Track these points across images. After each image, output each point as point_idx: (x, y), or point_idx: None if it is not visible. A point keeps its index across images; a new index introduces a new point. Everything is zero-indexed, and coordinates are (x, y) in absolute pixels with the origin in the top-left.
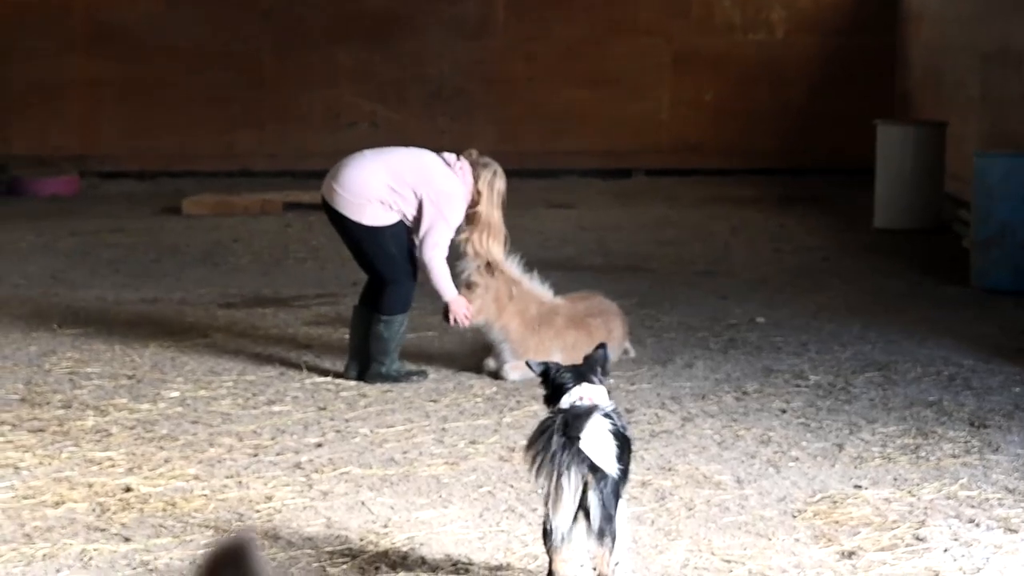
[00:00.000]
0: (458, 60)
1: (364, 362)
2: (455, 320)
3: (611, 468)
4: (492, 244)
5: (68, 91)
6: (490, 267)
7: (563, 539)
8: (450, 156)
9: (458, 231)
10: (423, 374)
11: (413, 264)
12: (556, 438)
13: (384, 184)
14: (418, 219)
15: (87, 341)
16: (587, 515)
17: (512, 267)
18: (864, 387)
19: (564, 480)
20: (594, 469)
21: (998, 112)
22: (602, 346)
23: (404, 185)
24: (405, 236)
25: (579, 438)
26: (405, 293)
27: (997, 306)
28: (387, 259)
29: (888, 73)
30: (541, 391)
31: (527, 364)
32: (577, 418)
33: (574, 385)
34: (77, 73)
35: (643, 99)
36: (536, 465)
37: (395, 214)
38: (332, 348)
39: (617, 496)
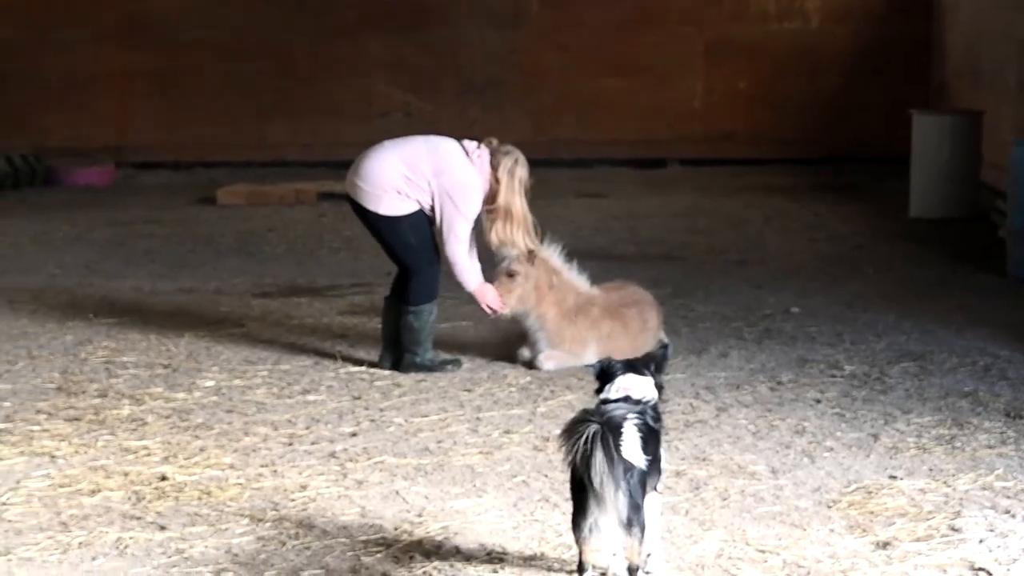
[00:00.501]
0: (490, 50)
1: (398, 352)
2: (489, 308)
3: (638, 460)
4: (515, 232)
5: (102, 82)
6: (532, 255)
7: (591, 530)
8: (470, 144)
9: (480, 220)
10: (457, 363)
11: (437, 252)
12: (594, 446)
13: (400, 174)
14: (435, 210)
15: (123, 330)
16: (615, 506)
17: (553, 256)
18: (899, 377)
19: (607, 487)
20: (626, 462)
21: None
22: (665, 346)
23: (419, 175)
24: (426, 225)
25: (620, 447)
26: (430, 282)
27: None
28: (408, 249)
29: (924, 62)
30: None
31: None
32: (613, 428)
33: (622, 374)
34: (111, 64)
35: (676, 88)
36: (569, 462)
37: (412, 203)
38: (366, 338)
39: (644, 487)
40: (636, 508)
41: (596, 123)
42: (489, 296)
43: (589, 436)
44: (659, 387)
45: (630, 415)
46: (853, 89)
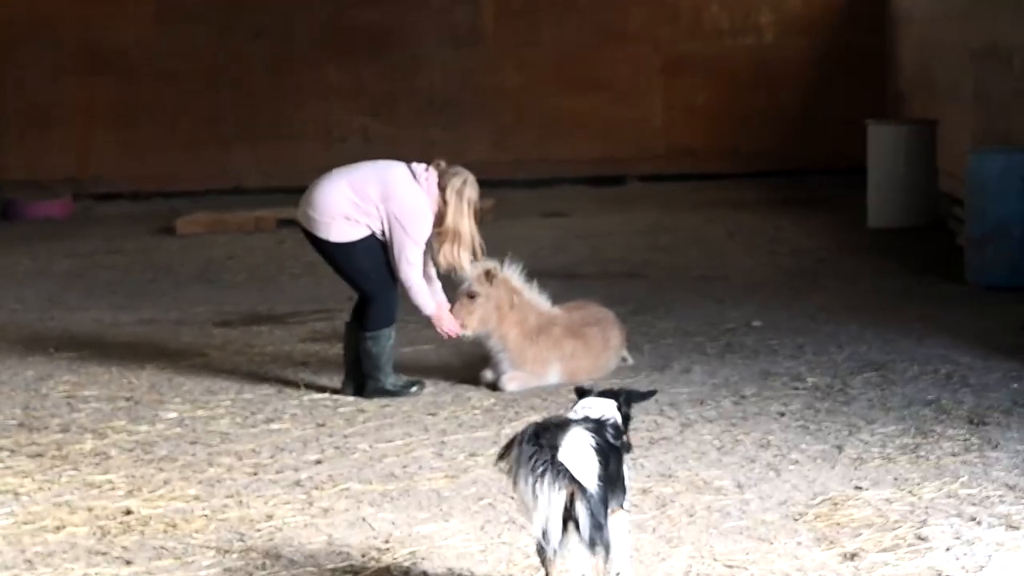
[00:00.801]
0: (449, 70)
1: (360, 378)
2: (444, 335)
3: (589, 482)
4: (462, 254)
5: (61, 114)
6: (491, 275)
7: (555, 552)
8: (418, 167)
9: (430, 243)
10: (421, 384)
11: (394, 277)
12: (526, 447)
13: (347, 200)
14: (386, 235)
15: (84, 364)
16: (576, 526)
17: (513, 276)
18: (862, 388)
19: (538, 489)
20: (575, 480)
21: (990, 109)
22: (653, 392)
23: (367, 200)
24: (379, 250)
25: (556, 448)
26: (386, 307)
27: (993, 303)
28: (362, 275)
29: (880, 73)
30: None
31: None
32: (551, 428)
33: (588, 398)
34: (69, 96)
35: (635, 105)
36: (511, 475)
37: (363, 228)
38: (329, 364)
39: (606, 505)
40: (598, 527)
41: (556, 141)
42: (445, 321)
43: (519, 438)
44: (626, 417)
45: (576, 426)
46: (810, 102)
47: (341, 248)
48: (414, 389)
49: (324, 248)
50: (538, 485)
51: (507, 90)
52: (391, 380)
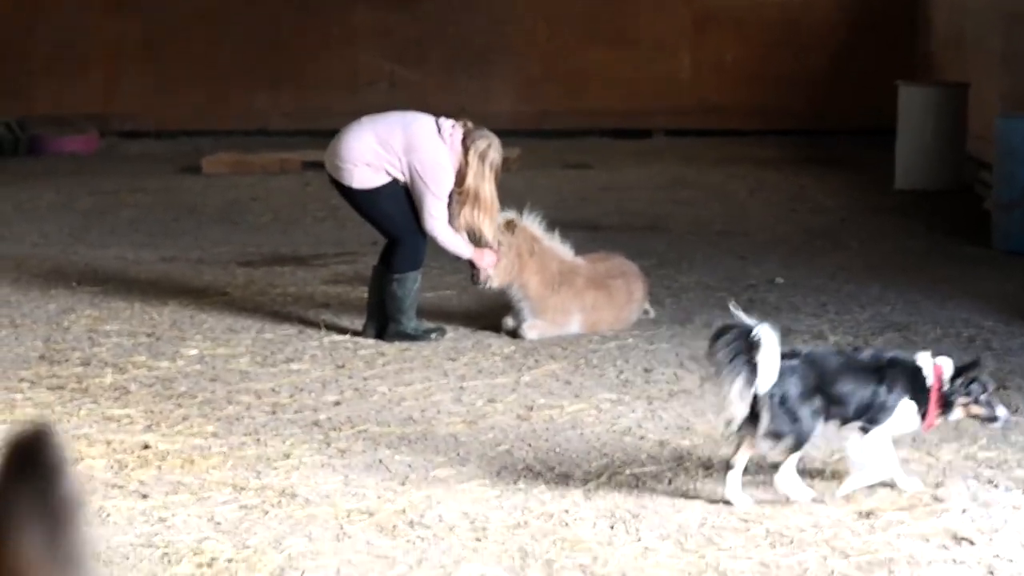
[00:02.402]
0: (478, 20)
1: (382, 321)
2: (484, 277)
3: (767, 383)
4: (483, 219)
5: (88, 51)
6: (511, 225)
7: (738, 435)
8: (445, 122)
9: (451, 202)
10: (441, 331)
11: (416, 223)
12: (731, 344)
13: (371, 148)
14: (408, 187)
15: (106, 299)
16: (759, 418)
17: (533, 225)
18: (883, 348)
19: (732, 382)
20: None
21: (1020, 73)
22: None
23: (390, 150)
24: (404, 195)
25: (755, 350)
26: (413, 251)
27: (1018, 268)
28: (387, 219)
29: (910, 34)
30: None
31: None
32: (749, 337)
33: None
34: (97, 33)
35: (664, 60)
36: (712, 364)
37: (384, 175)
38: (350, 307)
39: (796, 405)
40: (782, 422)
41: (583, 94)
42: (487, 258)
43: (727, 335)
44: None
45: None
46: (839, 61)
47: (365, 194)
48: (434, 335)
49: (349, 195)
50: (733, 379)
51: (536, 41)
52: (413, 324)
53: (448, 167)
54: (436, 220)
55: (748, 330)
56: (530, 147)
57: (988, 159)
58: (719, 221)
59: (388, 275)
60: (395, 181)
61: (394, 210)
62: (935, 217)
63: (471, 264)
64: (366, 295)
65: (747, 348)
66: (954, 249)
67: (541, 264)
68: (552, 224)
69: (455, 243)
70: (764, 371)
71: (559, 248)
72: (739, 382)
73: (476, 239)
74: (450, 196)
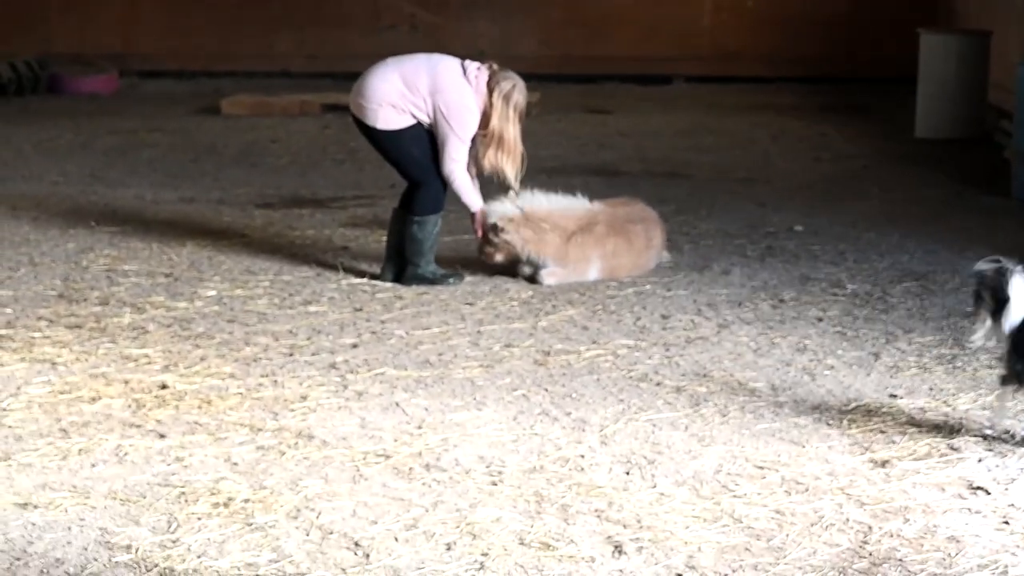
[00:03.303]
0: None
1: (400, 265)
2: (487, 248)
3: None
4: (506, 162)
5: None
6: (513, 221)
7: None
8: (471, 64)
9: (474, 144)
10: (459, 276)
11: (438, 167)
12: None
13: (396, 89)
14: (432, 129)
15: (125, 239)
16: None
17: (535, 205)
18: (902, 297)
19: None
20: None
21: None
22: None
23: (416, 91)
24: (427, 138)
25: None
26: (435, 194)
27: None
28: (410, 161)
29: None
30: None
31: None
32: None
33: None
34: None
35: (684, 5)
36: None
37: (409, 117)
38: (369, 250)
39: None
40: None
41: (603, 38)
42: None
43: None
44: None
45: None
46: (861, 8)
47: (389, 136)
48: (452, 280)
49: (373, 135)
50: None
51: None
52: (431, 268)
53: (474, 109)
54: (456, 163)
55: (1005, 271)
56: (550, 92)
57: (1009, 108)
58: (740, 168)
59: (409, 217)
60: (419, 123)
61: (418, 152)
62: (955, 166)
63: (473, 219)
64: (384, 238)
65: (999, 288)
66: (973, 198)
67: (557, 231)
68: (572, 169)
69: (468, 191)
70: (1011, 312)
71: (571, 205)
72: (987, 320)
73: (499, 181)
74: (474, 139)
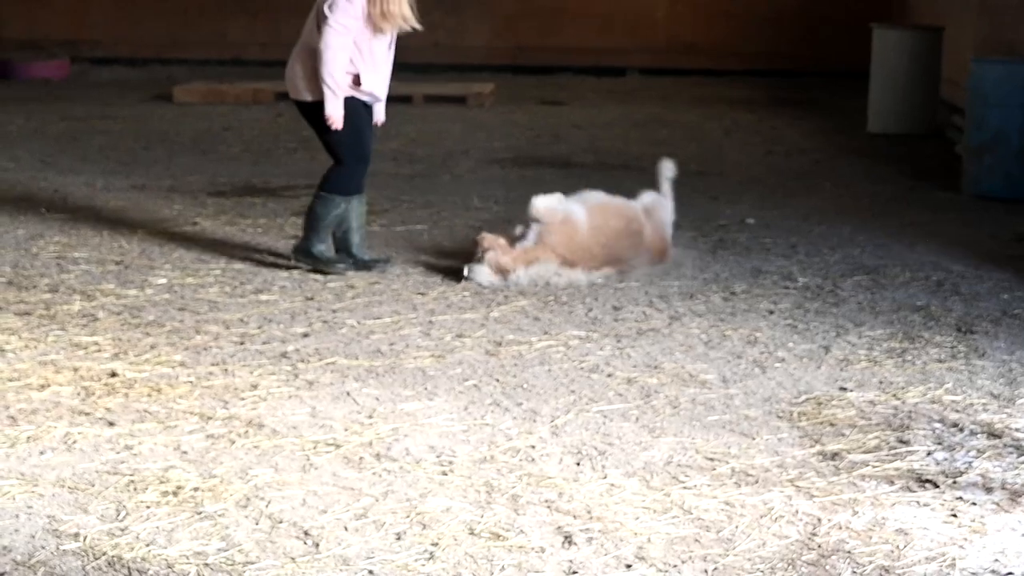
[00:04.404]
0: None
1: (350, 254)
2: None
3: None
4: (403, 6)
5: None
6: (503, 270)
7: None
8: None
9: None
10: (349, 264)
11: (367, 152)
12: None
13: (306, 48)
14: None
15: (75, 226)
16: None
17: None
18: (852, 290)
19: None
20: None
21: (995, 17)
22: None
23: (312, 30)
24: (358, 118)
25: None
26: (347, 176)
27: (988, 213)
28: (332, 137)
29: None
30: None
31: None
32: None
33: None
34: None
35: None
36: None
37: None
38: None
39: None
40: None
41: (558, 30)
42: (335, 116)
43: None
44: None
45: None
46: (815, 2)
47: (316, 108)
48: (341, 267)
49: (306, 112)
50: None
51: None
52: (320, 248)
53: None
54: (332, 32)
55: None
56: (504, 83)
57: (960, 104)
58: (693, 161)
59: (316, 191)
60: (352, 99)
61: (343, 129)
62: (907, 161)
63: (463, 272)
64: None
65: None
66: (925, 193)
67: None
68: (526, 161)
69: (333, 75)
70: None
71: (570, 225)
72: None
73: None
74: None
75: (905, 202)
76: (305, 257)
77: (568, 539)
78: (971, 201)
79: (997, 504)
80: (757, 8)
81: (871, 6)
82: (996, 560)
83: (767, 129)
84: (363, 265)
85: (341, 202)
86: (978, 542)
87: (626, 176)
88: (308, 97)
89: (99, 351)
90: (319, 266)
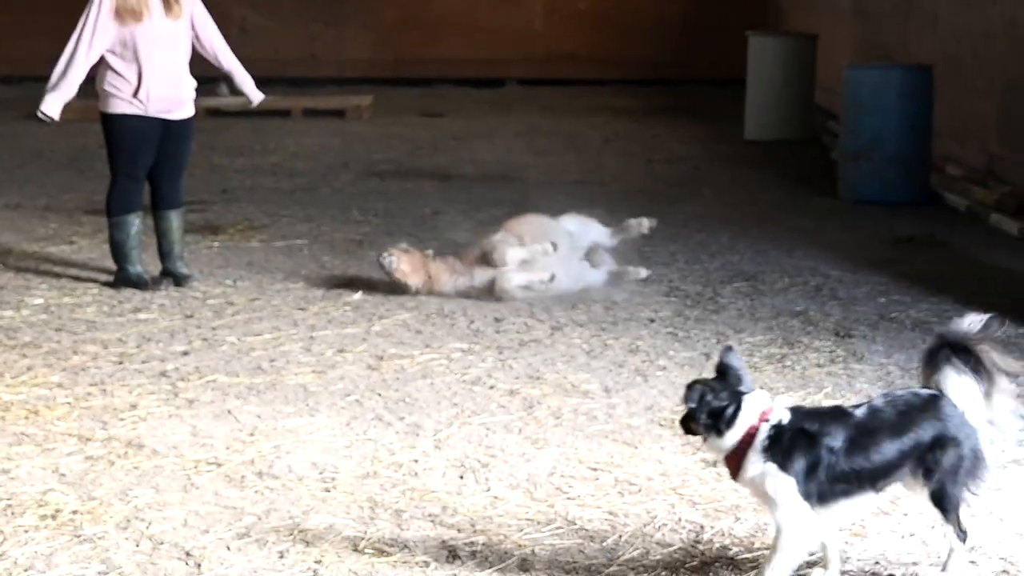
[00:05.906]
0: None
1: (166, 268)
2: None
3: None
4: None
5: None
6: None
7: None
8: None
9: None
10: (170, 281)
11: (135, 164)
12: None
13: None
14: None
15: None
16: None
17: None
18: (732, 297)
19: None
20: None
21: (869, 24)
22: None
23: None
24: (130, 134)
25: None
26: (123, 191)
27: (865, 217)
28: (108, 151)
29: None
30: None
31: None
32: None
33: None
34: None
35: (517, 7)
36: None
37: (114, 99)
38: (199, 256)
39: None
40: None
41: (437, 42)
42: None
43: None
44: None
45: None
46: (694, 11)
47: (102, 119)
48: (163, 285)
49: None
50: None
51: None
52: (136, 270)
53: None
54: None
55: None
56: (384, 95)
57: (836, 110)
58: (573, 171)
59: (107, 219)
60: (124, 116)
61: (112, 146)
62: (784, 167)
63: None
64: (213, 245)
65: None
66: (802, 199)
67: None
68: (406, 173)
69: (66, 66)
70: None
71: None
72: None
73: None
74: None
75: (784, 208)
76: (128, 285)
77: (452, 553)
78: (848, 206)
79: (877, 507)
80: (635, 18)
81: (748, 15)
82: (877, 563)
83: (647, 137)
84: (179, 281)
85: (133, 219)
86: (859, 545)
87: (505, 186)
88: (101, 108)
89: None
90: (144, 289)
